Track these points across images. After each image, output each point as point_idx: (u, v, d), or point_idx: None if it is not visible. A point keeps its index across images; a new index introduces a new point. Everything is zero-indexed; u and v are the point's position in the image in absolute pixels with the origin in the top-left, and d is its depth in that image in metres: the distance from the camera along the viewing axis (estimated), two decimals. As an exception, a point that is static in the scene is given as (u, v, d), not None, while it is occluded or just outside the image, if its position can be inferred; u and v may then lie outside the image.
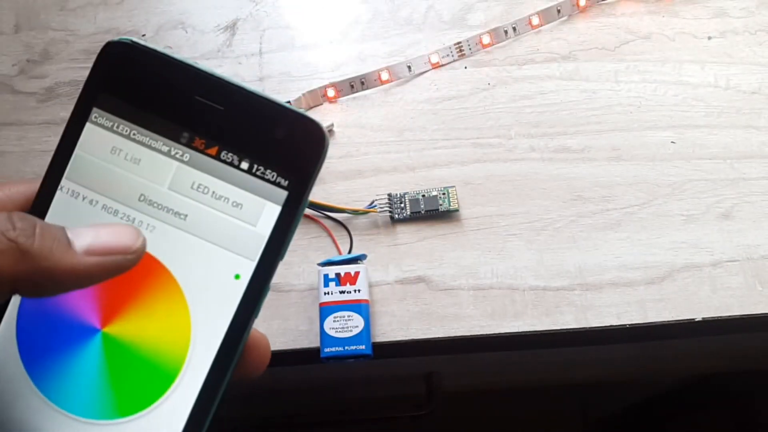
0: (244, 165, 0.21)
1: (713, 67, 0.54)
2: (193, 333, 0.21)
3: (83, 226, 0.20)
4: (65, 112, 0.51)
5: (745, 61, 0.54)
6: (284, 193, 0.21)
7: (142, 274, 0.21)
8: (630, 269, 0.47)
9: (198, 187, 0.21)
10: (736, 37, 0.56)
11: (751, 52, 0.55)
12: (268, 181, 0.21)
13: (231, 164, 0.21)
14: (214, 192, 0.21)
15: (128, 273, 0.20)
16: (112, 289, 0.21)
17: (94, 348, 0.21)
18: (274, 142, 0.21)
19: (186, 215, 0.21)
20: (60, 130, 0.21)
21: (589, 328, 0.45)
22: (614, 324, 0.45)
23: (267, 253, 0.21)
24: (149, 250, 0.21)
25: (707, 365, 0.70)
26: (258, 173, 0.21)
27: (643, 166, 0.50)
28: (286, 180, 0.21)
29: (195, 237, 0.21)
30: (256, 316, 0.21)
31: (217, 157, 0.21)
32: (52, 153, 0.21)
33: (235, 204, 0.21)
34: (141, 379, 0.21)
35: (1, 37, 0.57)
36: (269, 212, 0.21)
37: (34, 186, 0.22)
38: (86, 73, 0.21)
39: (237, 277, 0.21)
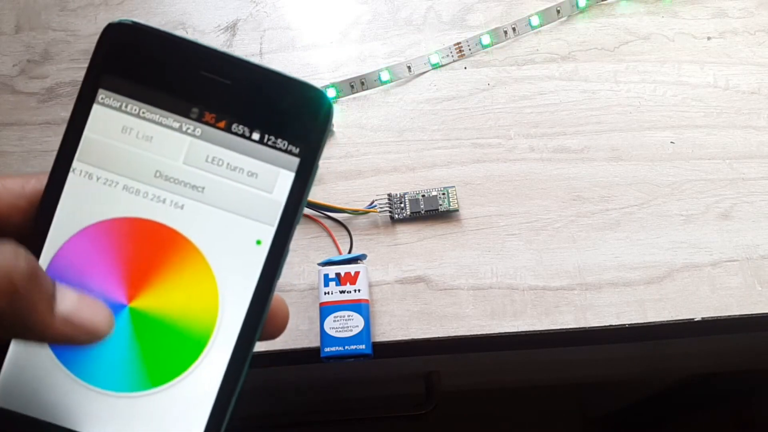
0: (255, 136, 0.22)
1: (712, 67, 0.54)
2: (221, 298, 0.22)
3: (71, 288, 0.20)
4: (66, 112, 0.51)
5: (745, 62, 0.55)
6: (296, 160, 0.22)
7: (165, 248, 0.22)
8: (629, 269, 0.47)
9: (212, 159, 0.22)
10: (736, 38, 0.56)
11: (750, 53, 0.55)
12: (279, 149, 0.22)
13: (242, 136, 0.22)
14: (228, 164, 0.22)
15: (152, 247, 0.21)
16: (137, 264, 0.21)
17: (122, 323, 0.21)
18: (282, 111, 0.22)
19: (203, 188, 0.22)
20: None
21: (589, 327, 0.45)
22: (614, 324, 0.45)
23: (285, 218, 0.22)
24: (171, 224, 0.22)
25: (706, 365, 0.70)
26: (269, 143, 0.22)
27: (643, 166, 0.50)
28: (296, 147, 0.22)
29: (214, 208, 0.22)
30: (278, 278, 0.22)
31: (228, 130, 0.22)
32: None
33: (250, 174, 0.22)
34: (171, 349, 0.21)
35: (2, 38, 0.57)
36: (283, 179, 0.22)
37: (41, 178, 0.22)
38: None
39: (258, 242, 0.22)
